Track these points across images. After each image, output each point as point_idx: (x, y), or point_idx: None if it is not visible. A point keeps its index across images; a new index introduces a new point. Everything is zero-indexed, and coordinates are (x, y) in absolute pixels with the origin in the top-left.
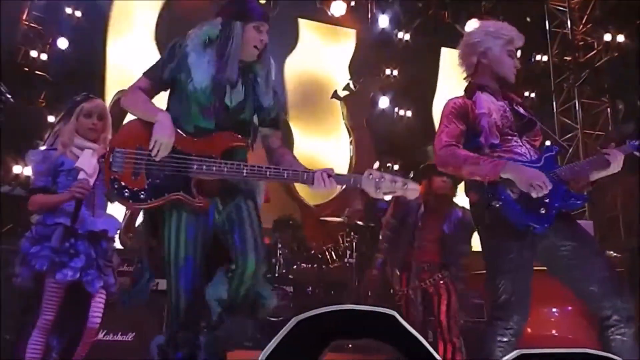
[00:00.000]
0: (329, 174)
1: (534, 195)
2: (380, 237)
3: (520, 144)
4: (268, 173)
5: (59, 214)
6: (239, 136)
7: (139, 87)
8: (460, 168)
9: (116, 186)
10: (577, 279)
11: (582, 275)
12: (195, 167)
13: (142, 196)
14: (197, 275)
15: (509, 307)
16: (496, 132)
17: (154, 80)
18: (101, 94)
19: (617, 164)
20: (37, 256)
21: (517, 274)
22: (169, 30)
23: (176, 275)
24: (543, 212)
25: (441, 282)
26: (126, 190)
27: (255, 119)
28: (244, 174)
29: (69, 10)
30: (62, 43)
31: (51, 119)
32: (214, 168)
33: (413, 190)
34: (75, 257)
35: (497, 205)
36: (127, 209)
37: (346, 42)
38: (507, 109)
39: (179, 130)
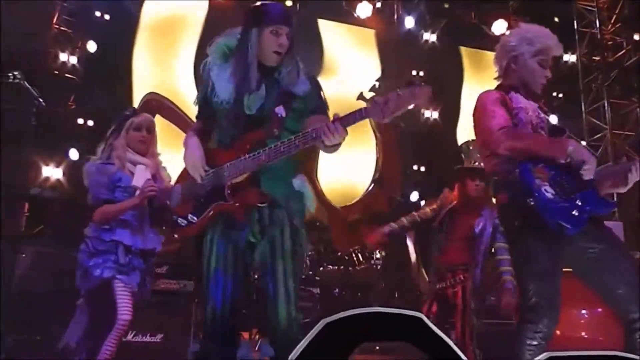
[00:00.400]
0: (334, 119)
1: (586, 177)
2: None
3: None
4: (282, 148)
5: (114, 230)
6: (260, 130)
7: (192, 130)
8: (526, 144)
9: (175, 219)
10: (604, 282)
11: (609, 278)
12: (225, 173)
13: (192, 220)
14: (228, 288)
15: (540, 310)
16: (530, 129)
17: (199, 115)
18: (129, 97)
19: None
20: (103, 267)
21: (547, 277)
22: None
23: (206, 286)
24: (576, 214)
25: (459, 284)
26: (181, 219)
27: (282, 110)
28: (263, 158)
29: (98, 14)
30: (91, 46)
31: (80, 121)
32: (241, 166)
33: (423, 96)
34: (133, 271)
35: (532, 203)
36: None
37: (369, 43)
38: (539, 111)
39: (214, 147)
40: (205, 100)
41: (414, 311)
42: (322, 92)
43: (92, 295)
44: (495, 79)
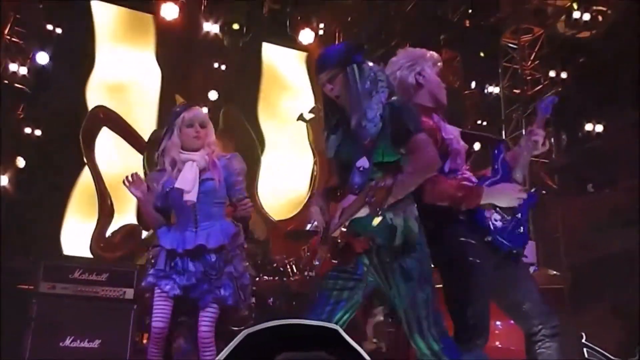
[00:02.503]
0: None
1: (517, 203)
2: None
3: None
4: None
5: (158, 236)
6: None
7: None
8: (451, 195)
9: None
10: (511, 300)
11: (516, 296)
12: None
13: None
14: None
15: (476, 331)
16: (457, 158)
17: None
18: (83, 107)
19: (542, 141)
20: (147, 274)
21: (485, 298)
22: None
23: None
24: (522, 230)
25: None
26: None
27: (365, 162)
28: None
29: (49, 27)
30: (42, 58)
31: (28, 130)
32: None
33: None
34: (181, 274)
35: (489, 239)
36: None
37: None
38: (459, 138)
39: None
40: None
41: (330, 323)
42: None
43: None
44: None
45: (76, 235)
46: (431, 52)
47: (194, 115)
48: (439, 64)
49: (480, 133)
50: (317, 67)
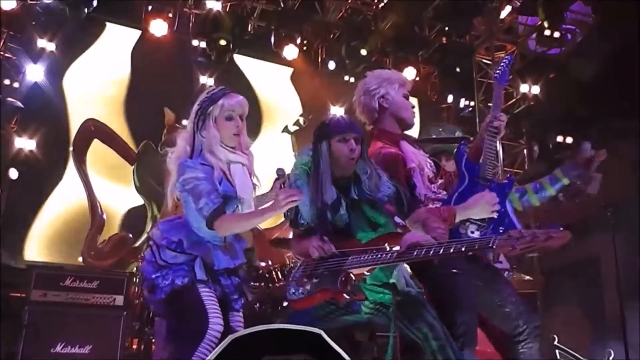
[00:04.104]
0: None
1: (495, 215)
2: None
3: (438, 185)
4: (436, 250)
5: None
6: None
7: (294, 235)
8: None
9: (288, 288)
10: (493, 304)
11: (497, 300)
12: (347, 261)
13: (300, 295)
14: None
15: (466, 339)
16: (427, 183)
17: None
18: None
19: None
20: (174, 276)
21: (472, 307)
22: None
23: None
24: (502, 227)
25: None
26: (293, 290)
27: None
28: (388, 257)
29: (41, 43)
30: (34, 73)
31: (18, 142)
32: (363, 257)
33: (561, 240)
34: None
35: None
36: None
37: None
38: (428, 160)
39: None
40: (294, 222)
41: (314, 328)
42: (404, 191)
43: None
44: (368, 126)
45: (67, 244)
46: (398, 74)
47: (235, 102)
48: (406, 85)
49: (442, 137)
50: (347, 124)
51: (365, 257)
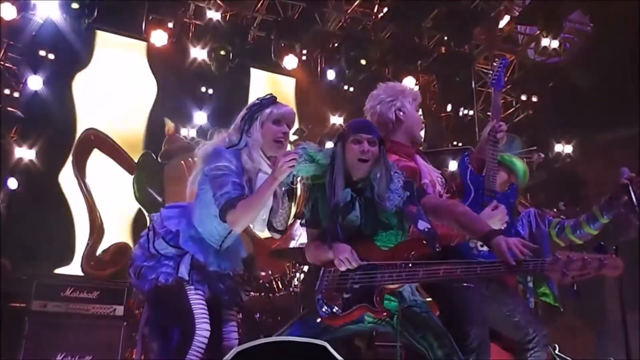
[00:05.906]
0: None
1: (503, 227)
2: None
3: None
4: (479, 270)
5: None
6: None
7: (311, 240)
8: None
9: (320, 303)
10: (501, 315)
11: (505, 311)
12: (379, 277)
13: (337, 312)
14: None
15: (480, 353)
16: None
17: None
18: (73, 131)
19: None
20: (159, 271)
21: (485, 320)
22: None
23: None
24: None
25: None
26: (326, 307)
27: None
28: (419, 275)
29: (42, 53)
30: (34, 83)
31: (18, 152)
32: (402, 276)
33: (613, 268)
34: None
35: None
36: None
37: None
38: (440, 177)
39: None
40: (312, 221)
41: (318, 340)
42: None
43: None
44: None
45: (67, 254)
46: (410, 88)
47: (285, 111)
48: (417, 100)
49: (445, 149)
50: (362, 125)
51: (400, 273)
